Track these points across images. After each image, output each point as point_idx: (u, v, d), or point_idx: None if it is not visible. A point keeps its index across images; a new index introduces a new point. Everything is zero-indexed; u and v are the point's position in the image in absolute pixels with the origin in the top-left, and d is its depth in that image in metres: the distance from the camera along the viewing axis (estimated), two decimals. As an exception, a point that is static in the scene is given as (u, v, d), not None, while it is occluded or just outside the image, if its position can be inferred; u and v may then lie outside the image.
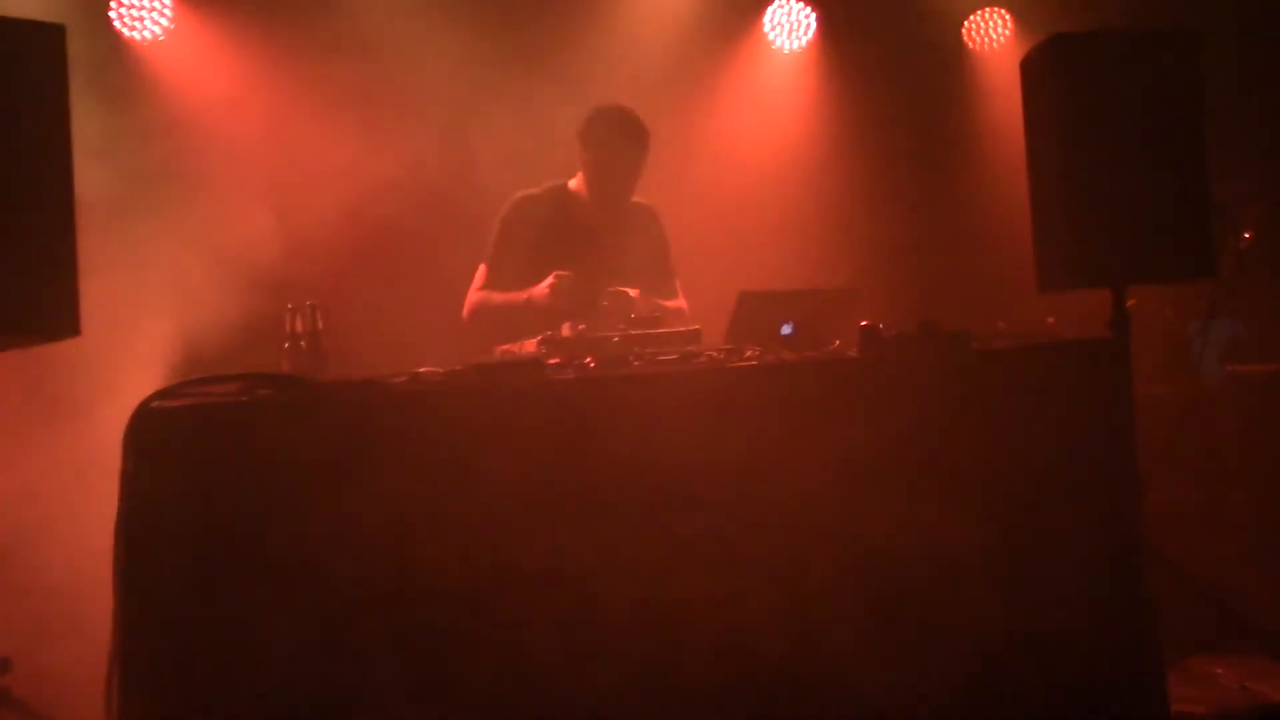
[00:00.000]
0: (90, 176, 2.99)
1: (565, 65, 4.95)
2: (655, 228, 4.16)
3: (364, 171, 4.52)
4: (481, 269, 4.00)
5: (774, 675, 2.74)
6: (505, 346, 3.33)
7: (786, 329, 3.25)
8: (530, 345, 3.16)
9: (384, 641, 2.57)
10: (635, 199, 4.10)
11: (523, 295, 3.78)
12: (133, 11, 4.92)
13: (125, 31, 4.91)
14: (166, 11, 4.95)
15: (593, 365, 2.91)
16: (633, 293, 3.65)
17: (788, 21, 5.71)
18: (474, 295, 3.99)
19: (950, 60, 5.83)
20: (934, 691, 2.80)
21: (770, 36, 5.71)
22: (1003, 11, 5.85)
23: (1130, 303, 3.26)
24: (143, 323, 3.89)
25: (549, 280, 3.68)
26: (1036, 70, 3.33)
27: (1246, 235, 3.69)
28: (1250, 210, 3.85)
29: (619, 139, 3.89)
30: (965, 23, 5.89)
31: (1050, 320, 4.64)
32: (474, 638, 2.62)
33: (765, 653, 2.74)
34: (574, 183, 4.06)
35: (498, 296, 3.90)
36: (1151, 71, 3.18)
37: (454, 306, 4.27)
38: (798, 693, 2.75)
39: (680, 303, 4.11)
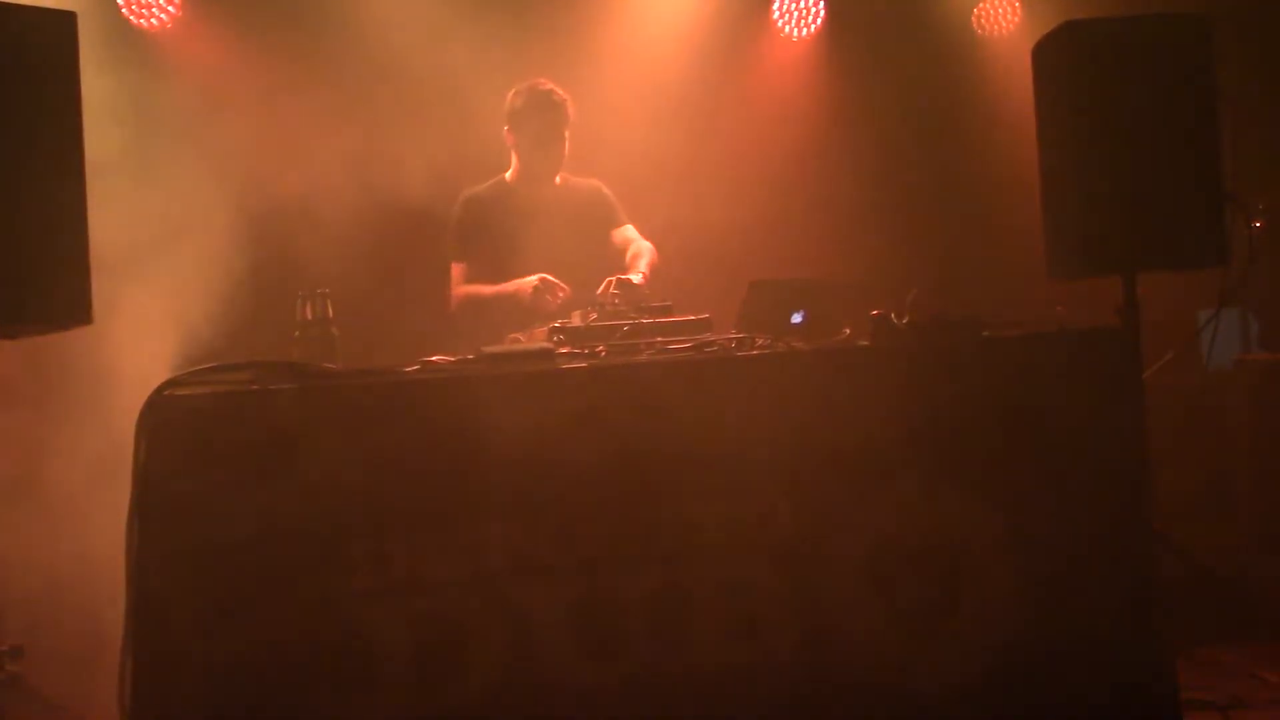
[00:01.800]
0: (99, 163, 2.98)
1: (574, 55, 4.94)
2: (600, 198, 4.25)
3: (373, 160, 4.51)
4: (456, 268, 4.12)
5: (785, 663, 2.75)
6: (516, 335, 3.33)
7: (797, 318, 3.25)
8: (541, 334, 3.16)
9: (395, 628, 2.58)
10: (583, 179, 4.25)
11: (509, 288, 3.86)
12: (141, -2, 4.92)
13: (133, 19, 4.91)
14: (175, -2, 4.95)
15: (604, 353, 2.91)
16: (637, 279, 3.64)
17: (797, 9, 5.69)
18: (460, 289, 4.09)
19: (959, 47, 5.80)
20: (945, 678, 2.81)
21: (780, 24, 5.69)
22: (1012, -2, 5.83)
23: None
24: (154, 311, 3.89)
25: (531, 281, 3.76)
26: (1048, 57, 3.32)
27: (1257, 224, 3.68)
28: (1261, 198, 3.84)
29: (538, 109, 4.06)
30: (974, 10, 5.87)
31: (1060, 309, 4.63)
32: (485, 625, 2.63)
33: (777, 640, 2.75)
34: (509, 174, 4.23)
35: (485, 289, 3.98)
36: (1163, 58, 3.16)
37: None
38: (809, 680, 2.76)
39: (644, 243, 4.16)
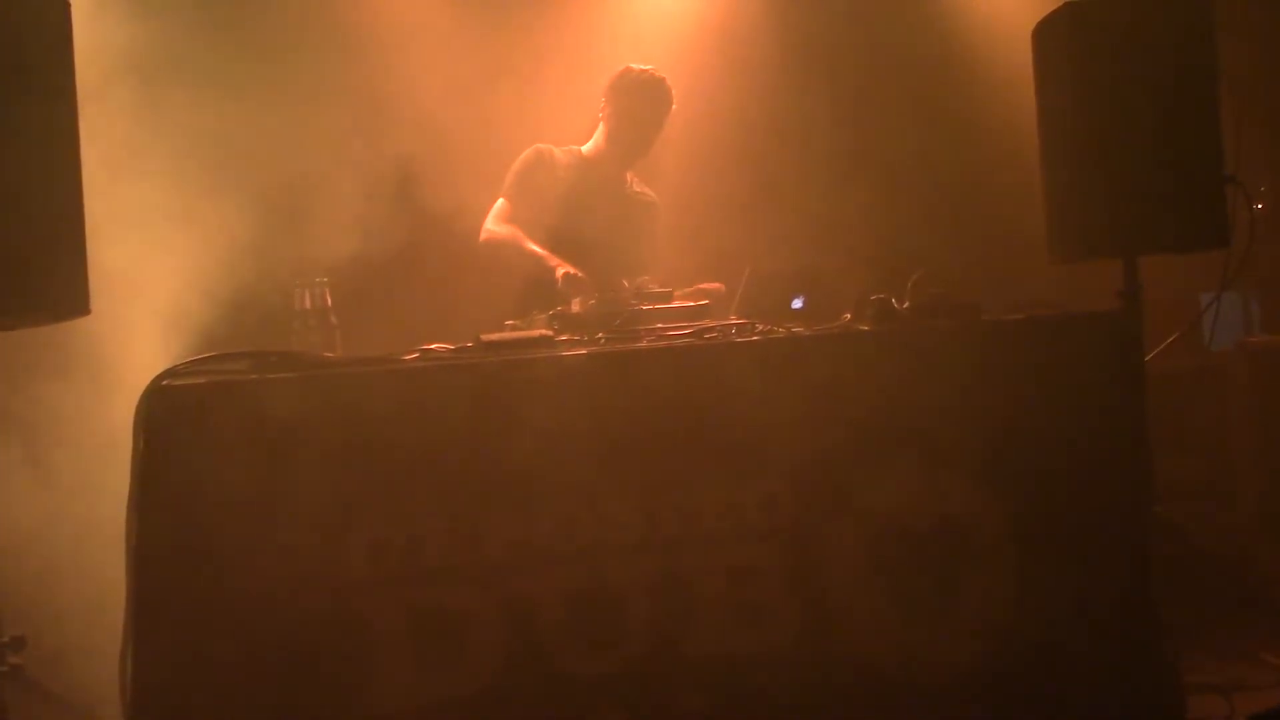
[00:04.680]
0: (95, 152, 2.96)
1: (567, 40, 4.92)
2: (654, 213, 4.27)
3: (372, 148, 4.49)
4: (502, 203, 4.05)
5: (787, 649, 2.75)
6: (513, 321, 3.32)
7: (797, 303, 3.25)
8: (540, 321, 3.15)
9: (395, 617, 2.57)
10: (648, 190, 4.27)
11: (548, 262, 3.80)
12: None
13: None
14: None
15: (603, 340, 2.90)
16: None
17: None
18: (501, 228, 4.00)
19: (957, 28, 5.77)
20: (947, 664, 2.81)
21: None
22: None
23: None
24: (152, 301, 3.87)
25: (562, 271, 3.70)
26: (1048, 38, 3.31)
27: (1258, 205, 3.67)
28: (1262, 180, 3.82)
29: (648, 90, 4.10)
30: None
31: (1058, 295, 4.62)
32: (485, 614, 2.62)
33: (778, 627, 2.75)
34: (588, 147, 4.20)
35: (525, 243, 3.91)
36: (1163, 39, 3.15)
37: (462, 285, 4.28)
38: (811, 667, 2.76)
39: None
